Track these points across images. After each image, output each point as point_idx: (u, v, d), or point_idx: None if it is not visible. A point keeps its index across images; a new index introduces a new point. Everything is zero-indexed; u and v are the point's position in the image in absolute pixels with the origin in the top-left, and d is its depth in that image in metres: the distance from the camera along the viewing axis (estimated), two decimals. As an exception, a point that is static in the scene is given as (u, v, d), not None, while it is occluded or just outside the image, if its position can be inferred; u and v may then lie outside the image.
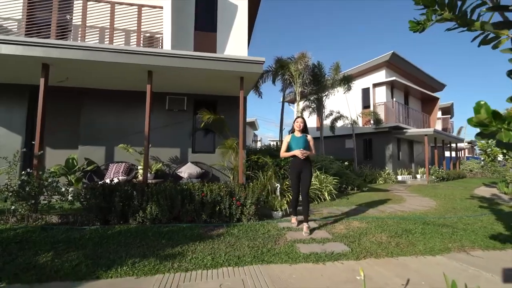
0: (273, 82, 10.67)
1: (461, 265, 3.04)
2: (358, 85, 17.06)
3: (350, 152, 15.98)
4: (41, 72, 4.70)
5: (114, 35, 6.05)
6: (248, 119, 31.52)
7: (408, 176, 15.90)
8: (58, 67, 4.86)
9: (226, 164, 6.43)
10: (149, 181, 5.47)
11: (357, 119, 15.61)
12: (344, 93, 13.30)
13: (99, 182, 4.85)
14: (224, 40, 6.89)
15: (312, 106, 13.97)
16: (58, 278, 2.52)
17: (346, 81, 12.62)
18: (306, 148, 4.04)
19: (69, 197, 4.63)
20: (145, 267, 2.77)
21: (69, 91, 6.32)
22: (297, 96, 9.02)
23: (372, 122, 15.62)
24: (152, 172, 5.96)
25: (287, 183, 6.53)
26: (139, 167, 6.12)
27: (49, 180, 4.42)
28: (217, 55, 4.96)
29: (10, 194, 4.10)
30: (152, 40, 6.30)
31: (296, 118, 4.27)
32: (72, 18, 6.07)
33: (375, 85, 16.48)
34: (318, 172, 7.41)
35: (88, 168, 6.22)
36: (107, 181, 5.16)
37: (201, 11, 6.97)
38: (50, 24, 5.83)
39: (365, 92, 17.03)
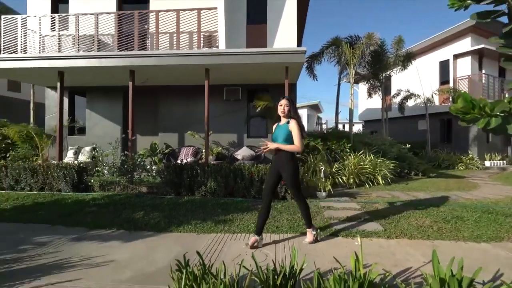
0: (338, 62, 10.29)
1: (507, 253, 2.91)
2: (434, 58, 14.93)
3: (423, 134, 14.41)
4: (129, 77, 6.03)
5: (180, 37, 7.09)
6: (311, 102, 30.97)
7: (502, 162, 13.49)
8: (140, 71, 6.15)
9: (277, 148, 6.96)
10: (212, 162, 6.47)
11: (432, 97, 13.84)
12: (407, 69, 11.98)
13: (173, 163, 6.06)
14: (273, 30, 7.24)
15: (377, 85, 13.05)
16: (146, 229, 3.57)
17: (410, 57, 11.30)
18: (287, 141, 2.99)
19: (153, 173, 5.97)
20: (204, 227, 3.61)
21: (149, 89, 7.77)
22: (351, 79, 8.69)
23: (451, 100, 13.64)
24: (214, 155, 6.98)
25: (336, 166, 6.71)
26: (203, 150, 7.22)
27: (139, 160, 5.79)
28: (261, 49, 5.43)
29: (115, 170, 5.58)
30: (210, 38, 7.13)
31: (280, 100, 3.13)
32: (148, 28, 7.35)
33: (456, 56, 14.16)
34: (372, 156, 7.26)
35: (166, 151, 7.66)
36: (179, 161, 6.37)
37: (252, 5, 7.44)
38: (133, 35, 7.21)
39: (443, 65, 14.79)
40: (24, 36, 7.37)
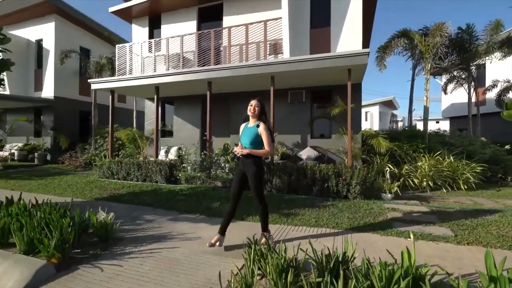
0: (412, 56, 9.47)
1: None
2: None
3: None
4: (207, 87, 7.06)
5: (248, 47, 7.84)
6: (383, 98, 28.58)
7: None
8: (215, 82, 7.12)
9: (341, 148, 7.00)
10: (277, 161, 6.98)
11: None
12: (509, 56, 9.98)
13: (243, 161, 6.81)
14: (337, 32, 7.26)
15: (462, 77, 11.36)
16: (222, 216, 4.28)
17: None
18: (254, 143, 2.97)
19: (226, 170, 6.84)
20: (269, 218, 4.10)
21: (222, 96, 8.79)
22: (426, 73, 7.88)
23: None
24: (279, 155, 7.48)
25: (406, 167, 6.35)
26: (269, 151, 7.82)
27: (215, 158, 6.73)
28: (322, 55, 5.61)
29: (196, 166, 6.65)
30: (275, 46, 7.66)
31: (251, 101, 3.12)
32: (222, 42, 8.35)
33: None
34: (452, 158, 6.56)
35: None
36: (248, 160, 7.10)
37: (315, 9, 7.63)
38: (210, 50, 8.30)
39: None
40: (130, 59, 9.35)
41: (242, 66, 6.44)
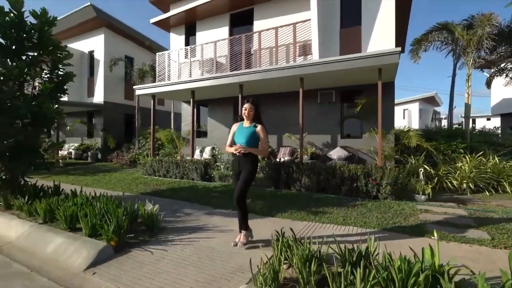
0: (453, 50, 8.86)
1: None
2: None
3: None
4: (239, 89, 7.42)
5: (278, 50, 8.04)
6: (424, 95, 26.78)
7: None
8: (246, 85, 7.45)
9: (372, 149, 6.88)
10: (307, 161, 7.09)
11: None
12: None
13: (273, 161, 7.04)
14: (368, 30, 7.13)
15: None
16: (253, 213, 4.56)
17: None
18: (251, 142, 3.07)
19: (257, 169, 7.13)
20: (297, 216, 4.31)
21: (253, 98, 9.11)
22: (468, 69, 7.33)
23: None
24: (308, 154, 7.58)
25: (444, 168, 6.08)
26: (299, 150, 7.94)
27: (246, 158, 7.07)
28: (352, 55, 5.60)
29: (229, 165, 7.03)
30: (305, 47, 7.76)
31: (244, 104, 3.23)
32: (252, 46, 8.67)
33: None
34: (496, 159, 6.12)
35: (269, 150, 8.79)
36: (278, 160, 7.31)
37: (346, 8, 7.57)
38: (241, 54, 8.66)
39: None
40: (169, 65, 10.10)
41: (271, 70, 6.68)
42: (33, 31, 4.74)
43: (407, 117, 25.27)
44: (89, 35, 14.32)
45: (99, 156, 13.82)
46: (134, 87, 9.84)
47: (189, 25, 10.81)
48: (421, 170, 5.37)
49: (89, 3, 12.42)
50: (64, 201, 4.05)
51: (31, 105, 4.49)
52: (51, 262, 2.96)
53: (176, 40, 11.26)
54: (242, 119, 3.27)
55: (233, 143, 3.22)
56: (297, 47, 7.78)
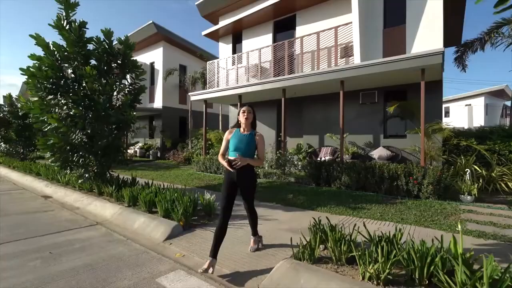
0: None
1: None
2: None
3: None
4: (282, 93, 7.97)
5: (320, 53, 8.36)
6: (493, 88, 23.89)
7: None
8: (289, 89, 7.96)
9: (416, 148, 6.77)
10: (348, 160, 7.30)
11: None
12: None
13: (314, 160, 7.42)
14: (413, 29, 6.99)
15: None
16: (294, 206, 5.07)
17: None
18: (248, 152, 2.79)
19: (299, 168, 7.58)
20: (336, 210, 4.68)
21: (295, 100, 9.56)
22: None
23: None
24: (349, 154, 7.75)
25: (498, 169, 5.78)
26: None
27: (289, 157, 7.57)
28: (392, 58, 5.66)
29: (273, 163, 7.63)
30: (347, 49, 7.93)
31: (241, 107, 2.98)
32: (295, 50, 9.13)
33: None
34: None
35: (309, 150, 9.17)
36: (319, 159, 7.66)
37: (389, 7, 7.53)
38: (284, 59, 9.19)
39: None
40: (218, 73, 11.13)
41: (312, 74, 7.07)
42: (119, 55, 5.98)
43: (467, 113, 22.83)
44: (150, 49, 16.35)
45: (159, 154, 15.68)
46: (189, 93, 11.11)
47: (236, 34, 11.72)
48: (467, 171, 5.22)
49: (151, 21, 14.25)
50: (142, 190, 5.10)
51: (118, 113, 5.69)
52: (138, 235, 3.90)
53: (224, 48, 12.28)
54: (237, 126, 2.96)
55: (226, 152, 2.93)
56: (339, 49, 8.00)
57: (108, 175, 6.44)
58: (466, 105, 23.61)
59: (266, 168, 8.46)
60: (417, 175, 5.05)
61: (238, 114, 2.95)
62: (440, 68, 5.55)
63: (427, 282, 2.22)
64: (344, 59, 8.06)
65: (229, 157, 2.80)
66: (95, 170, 6.23)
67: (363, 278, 2.33)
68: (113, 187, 5.50)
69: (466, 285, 1.94)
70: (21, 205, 5.51)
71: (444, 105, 27.86)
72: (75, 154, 5.76)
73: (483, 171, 5.68)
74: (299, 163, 8.05)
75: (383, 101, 7.82)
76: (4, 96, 12.61)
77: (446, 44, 10.36)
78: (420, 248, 2.32)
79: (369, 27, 7.67)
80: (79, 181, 6.06)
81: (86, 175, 5.93)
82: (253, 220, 3.15)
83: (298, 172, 7.74)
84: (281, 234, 3.62)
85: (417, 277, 2.24)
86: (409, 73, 6.08)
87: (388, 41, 7.43)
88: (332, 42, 8.03)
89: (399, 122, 7.56)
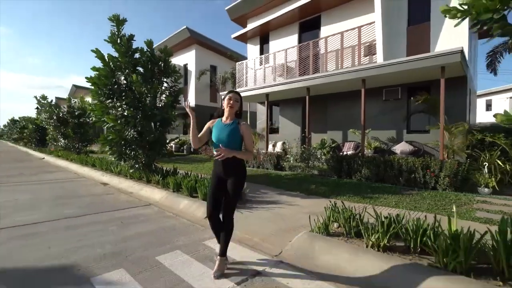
0: None
1: None
2: None
3: None
4: (306, 91, 8.47)
5: (343, 52, 8.70)
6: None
7: None
8: (313, 87, 8.44)
9: (439, 143, 6.89)
10: (369, 155, 7.63)
11: None
12: None
13: (337, 154, 7.86)
14: (438, 27, 7.05)
15: None
16: (316, 194, 5.63)
17: None
18: (233, 143, 2.48)
19: (323, 162, 8.07)
20: (354, 199, 5.17)
21: (319, 97, 9.97)
22: None
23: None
24: (372, 149, 8.05)
25: (524, 165, 5.81)
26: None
27: (313, 151, 8.08)
28: (411, 57, 5.89)
29: (297, 157, 8.20)
30: (370, 48, 8.19)
31: (227, 94, 2.64)
32: (319, 50, 9.53)
33: None
34: None
35: (333, 145, 9.57)
36: (341, 153, 8.07)
37: (413, 5, 7.63)
38: (309, 58, 9.64)
39: None
40: (246, 73, 11.86)
41: (336, 74, 7.48)
42: (160, 61, 6.93)
43: (509, 106, 21.28)
44: (184, 51, 17.59)
45: (192, 149, 16.93)
46: (220, 93, 11.99)
47: (263, 35, 12.34)
48: (485, 164, 5.36)
49: (185, 27, 15.40)
50: (184, 178, 6.00)
51: (162, 113, 6.65)
52: (183, 213, 4.75)
53: (252, 49, 12.97)
54: (221, 115, 2.66)
55: (204, 138, 2.69)
56: (362, 47, 8.28)
57: (154, 166, 7.48)
58: (509, 97, 21.93)
59: (291, 161, 9.05)
60: (434, 168, 5.33)
61: (223, 99, 2.61)
62: (460, 66, 5.68)
63: (419, 250, 2.72)
64: (367, 57, 8.32)
65: (214, 151, 2.47)
66: (143, 162, 7.29)
67: (367, 246, 2.89)
68: (159, 176, 6.47)
69: (447, 249, 2.43)
70: (88, 190, 6.71)
71: (486, 98, 26.09)
72: (128, 148, 6.84)
73: (507, 166, 5.76)
74: (322, 157, 8.52)
75: (406, 97, 7.98)
76: (56, 97, 14.53)
77: (482, 36, 10.06)
78: (416, 223, 2.82)
79: (392, 25, 7.85)
80: (131, 170, 7.16)
81: (136, 166, 7.00)
82: (227, 234, 2.61)
83: (322, 165, 8.22)
84: (302, 215, 4.23)
85: (412, 246, 2.75)
86: (431, 71, 6.26)
87: (412, 39, 7.56)
88: (355, 41, 8.33)
89: (422, 117, 7.69)
